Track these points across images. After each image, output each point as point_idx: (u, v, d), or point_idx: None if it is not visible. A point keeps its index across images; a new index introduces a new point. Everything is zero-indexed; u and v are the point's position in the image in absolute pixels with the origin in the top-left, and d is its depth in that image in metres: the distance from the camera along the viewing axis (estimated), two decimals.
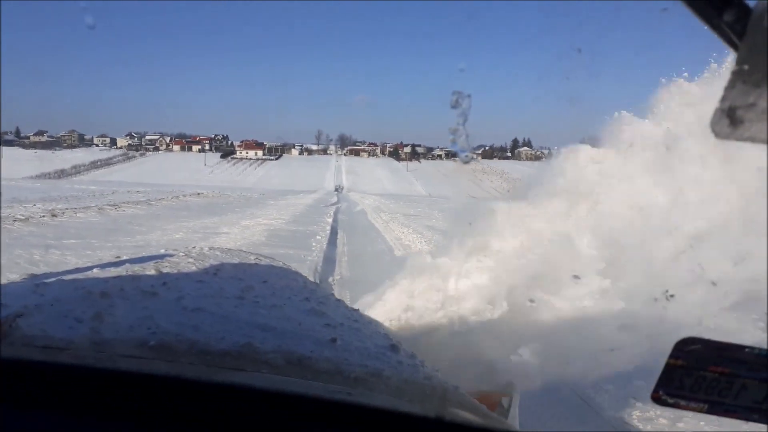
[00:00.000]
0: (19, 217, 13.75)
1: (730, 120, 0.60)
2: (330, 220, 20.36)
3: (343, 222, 21.45)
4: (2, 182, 33.84)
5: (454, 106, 1.44)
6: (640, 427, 3.83)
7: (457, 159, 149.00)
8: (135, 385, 0.91)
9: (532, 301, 3.02)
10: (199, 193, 35.60)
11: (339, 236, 15.90)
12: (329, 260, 10.93)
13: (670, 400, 0.96)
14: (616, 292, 3.01)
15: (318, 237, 14.09)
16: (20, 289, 1.98)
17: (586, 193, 3.54)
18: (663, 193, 3.25)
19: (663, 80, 3.79)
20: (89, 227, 13.42)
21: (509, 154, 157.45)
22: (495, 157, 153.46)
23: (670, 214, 3.15)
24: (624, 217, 3.28)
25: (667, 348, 0.95)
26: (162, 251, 8.43)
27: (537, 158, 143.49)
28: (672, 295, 2.59)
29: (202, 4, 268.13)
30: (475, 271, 3.38)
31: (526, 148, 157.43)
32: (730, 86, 0.59)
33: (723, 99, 0.60)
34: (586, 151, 3.95)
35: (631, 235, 3.24)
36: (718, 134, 0.61)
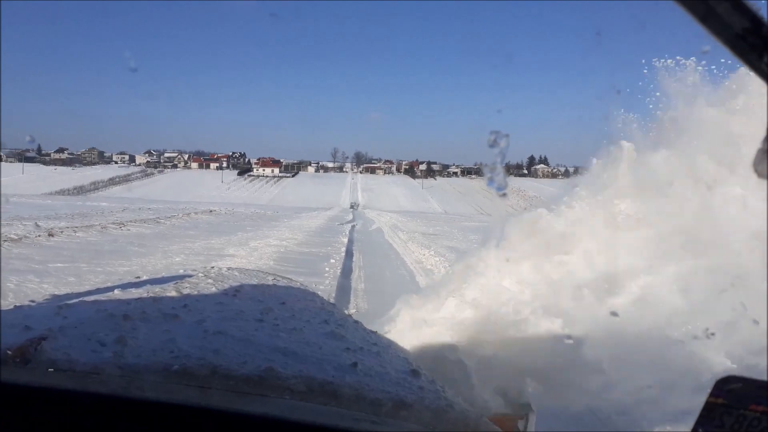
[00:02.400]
0: (12, 236, 12.79)
1: None
2: (345, 240, 19.16)
3: (359, 242, 20.24)
4: (15, 199, 33.38)
5: (492, 146, 1.47)
6: None
7: (474, 176, 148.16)
8: (164, 414, 0.93)
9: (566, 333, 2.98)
10: (211, 211, 34.76)
11: (355, 259, 14.69)
12: (344, 289, 9.73)
13: None
14: (653, 328, 2.97)
15: (332, 260, 12.89)
16: (43, 311, 1.98)
17: (629, 212, 3.52)
18: (706, 230, 3.24)
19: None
20: (84, 248, 12.40)
21: (525, 171, 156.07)
22: (511, 174, 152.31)
23: (714, 251, 3.14)
24: (667, 246, 3.25)
25: (707, 386, 0.95)
26: (180, 271, 7.93)
27: (554, 176, 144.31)
28: (713, 334, 2.57)
29: (222, 25, 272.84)
30: (512, 284, 3.38)
31: (542, 165, 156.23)
32: None
33: (766, 139, 0.63)
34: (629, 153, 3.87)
35: (673, 266, 3.18)
36: (760, 174, 0.65)
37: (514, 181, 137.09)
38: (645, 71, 4.27)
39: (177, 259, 11.50)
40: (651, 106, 4.26)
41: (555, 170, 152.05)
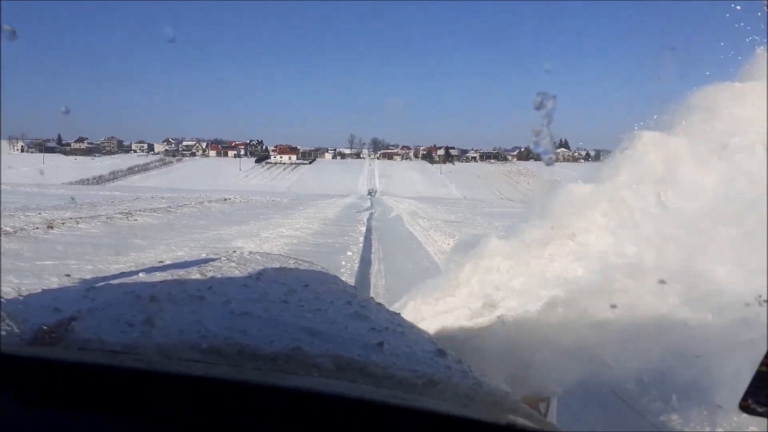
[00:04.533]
0: (7, 229, 11.94)
1: None
2: (363, 230, 18.05)
3: (378, 231, 19.13)
4: (28, 189, 32.94)
5: (538, 108, 1.48)
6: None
7: (493, 161, 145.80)
8: (200, 388, 0.95)
9: (614, 306, 2.72)
10: (225, 199, 33.94)
11: (374, 250, 13.59)
12: (363, 286, 8.63)
13: (760, 409, 0.93)
14: (701, 295, 2.69)
15: (349, 253, 11.79)
16: (71, 293, 1.84)
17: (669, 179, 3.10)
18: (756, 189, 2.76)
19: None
20: (81, 242, 11.49)
21: None
22: (531, 158, 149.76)
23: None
24: (717, 210, 2.87)
25: (758, 356, 0.89)
26: (203, 255, 7.51)
27: (575, 159, 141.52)
28: (766, 300, 2.40)
29: (238, 12, 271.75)
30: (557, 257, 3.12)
31: (563, 149, 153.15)
32: None
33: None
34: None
35: (724, 230, 2.82)
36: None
37: (535, 165, 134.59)
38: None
39: (179, 253, 10.50)
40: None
41: (576, 154, 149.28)
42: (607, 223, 3.23)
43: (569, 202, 3.51)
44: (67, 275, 7.99)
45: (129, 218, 17.05)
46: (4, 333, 1.24)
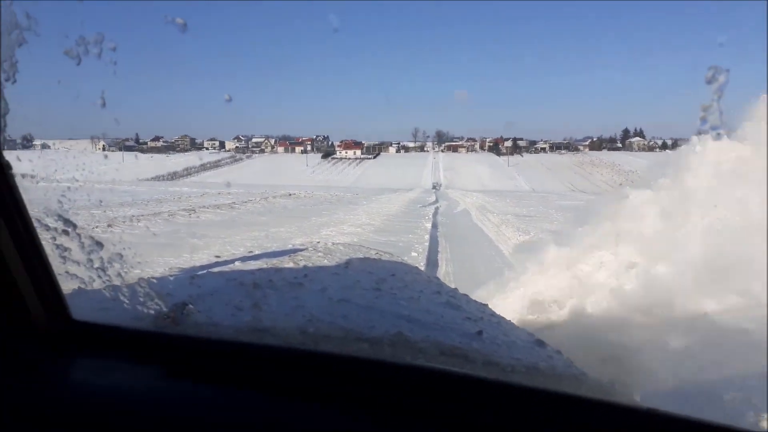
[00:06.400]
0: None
1: None
2: (428, 226, 16.85)
3: (445, 227, 17.86)
4: (102, 185, 34.08)
5: (710, 82, 1.53)
6: None
7: (564, 152, 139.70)
8: (340, 364, 1.00)
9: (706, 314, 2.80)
10: (290, 194, 33.75)
11: (441, 249, 12.39)
12: None
13: None
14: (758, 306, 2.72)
15: (413, 254, 10.65)
16: (178, 281, 2.10)
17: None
18: None
19: None
20: (138, 242, 11.08)
21: (620, 145, 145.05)
22: (604, 148, 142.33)
23: None
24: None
25: None
26: (290, 246, 7.82)
27: (650, 149, 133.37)
28: None
29: (307, 13, 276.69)
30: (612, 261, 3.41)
31: (638, 138, 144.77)
32: None
33: None
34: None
35: None
36: None
37: (608, 155, 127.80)
38: None
39: (233, 252, 9.78)
40: None
41: (652, 143, 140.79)
42: (662, 232, 3.24)
43: (627, 209, 3.61)
44: None
45: (191, 215, 16.78)
46: (152, 312, 1.44)
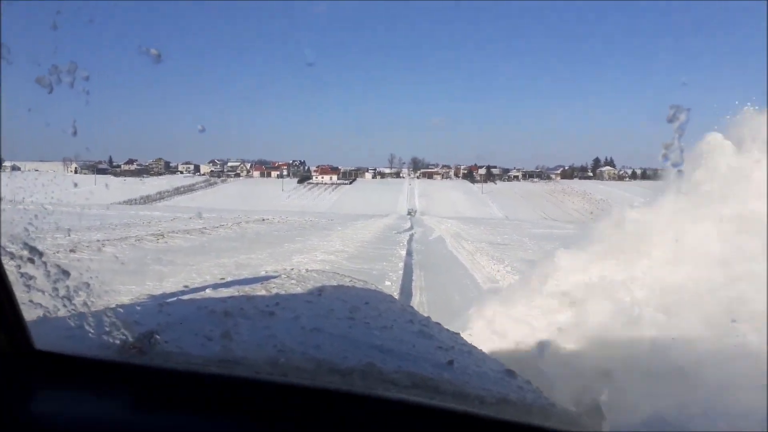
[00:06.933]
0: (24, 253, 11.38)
1: None
2: (403, 253, 16.88)
3: (420, 255, 17.93)
4: (69, 209, 33.22)
5: (671, 120, 1.59)
6: None
7: (536, 180, 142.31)
8: (308, 396, 0.99)
9: (734, 320, 2.64)
10: (263, 219, 33.48)
11: (415, 277, 12.41)
12: None
13: None
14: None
15: (387, 282, 10.65)
16: (146, 308, 2.01)
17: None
18: None
19: None
20: (100, 268, 10.79)
21: (591, 174, 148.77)
22: (576, 177, 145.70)
23: None
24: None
25: None
26: (263, 273, 7.77)
27: (620, 178, 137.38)
28: None
29: (281, 38, 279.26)
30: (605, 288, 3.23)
31: (608, 167, 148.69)
32: None
33: None
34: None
35: None
36: None
37: (579, 184, 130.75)
38: None
39: (199, 280, 9.61)
40: None
41: (622, 172, 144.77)
42: (665, 251, 3.18)
43: (629, 228, 3.52)
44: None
45: (159, 241, 16.48)
46: (118, 342, 1.38)
